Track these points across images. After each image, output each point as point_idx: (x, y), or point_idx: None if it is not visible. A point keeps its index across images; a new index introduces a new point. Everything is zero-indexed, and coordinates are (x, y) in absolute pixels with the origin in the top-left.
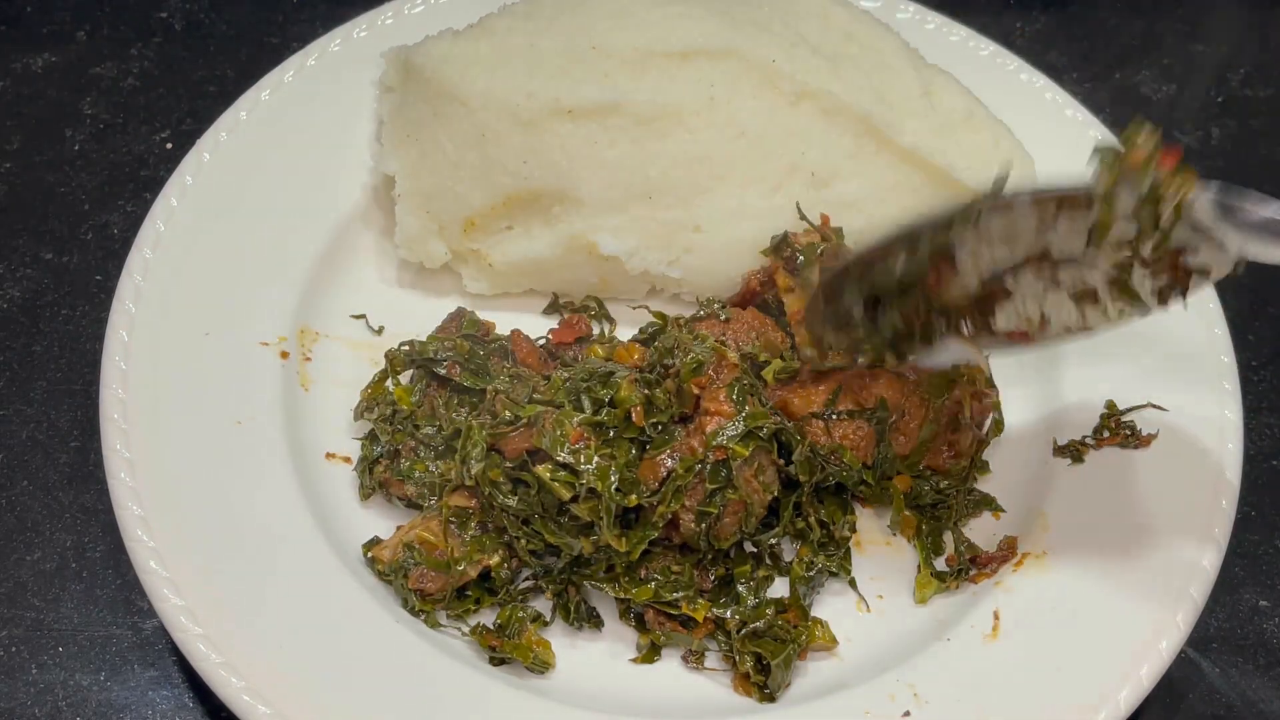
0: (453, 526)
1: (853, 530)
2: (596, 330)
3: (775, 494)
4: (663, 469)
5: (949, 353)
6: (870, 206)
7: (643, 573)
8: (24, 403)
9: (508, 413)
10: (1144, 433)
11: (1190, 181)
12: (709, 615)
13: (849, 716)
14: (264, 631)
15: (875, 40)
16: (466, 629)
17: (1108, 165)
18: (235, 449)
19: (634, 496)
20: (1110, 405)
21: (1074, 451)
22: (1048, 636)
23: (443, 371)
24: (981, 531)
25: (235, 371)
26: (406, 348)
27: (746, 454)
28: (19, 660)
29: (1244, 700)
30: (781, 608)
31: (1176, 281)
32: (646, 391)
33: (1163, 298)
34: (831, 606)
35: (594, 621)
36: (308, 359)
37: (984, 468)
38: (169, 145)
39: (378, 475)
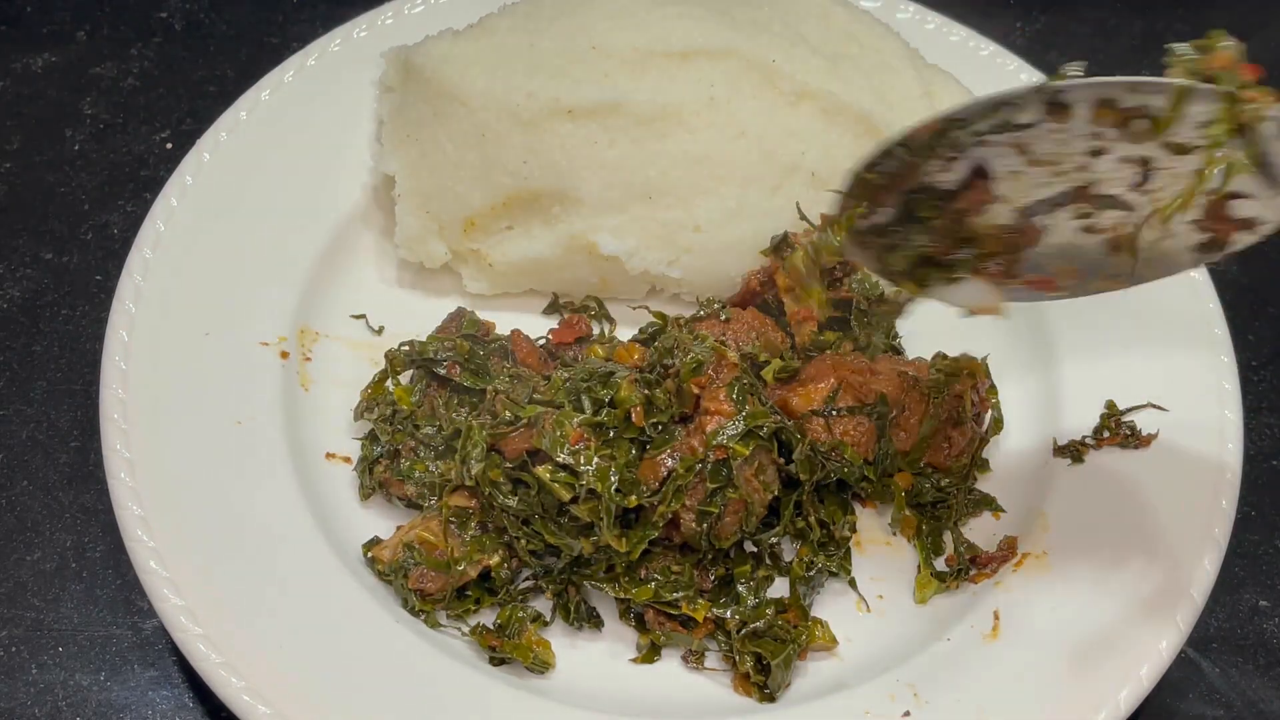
0: (453, 526)
1: (853, 530)
2: (596, 330)
3: (775, 493)
4: (663, 469)
5: (969, 292)
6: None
7: (643, 573)
8: (24, 403)
9: (508, 413)
10: (1144, 433)
11: (1270, 97)
12: (709, 615)
13: (849, 716)
14: (264, 631)
15: (875, 40)
16: (466, 629)
17: (1186, 66)
18: (235, 449)
19: (634, 497)
20: (1110, 405)
21: (1074, 451)
22: (1048, 636)
23: (443, 371)
24: (981, 531)
25: (235, 371)
26: (406, 348)
27: (747, 453)
28: (19, 660)
29: (1244, 700)
30: (781, 608)
31: (1218, 236)
32: (646, 391)
33: (1202, 251)
34: (831, 606)
35: (594, 621)
36: (308, 359)
37: (984, 466)
38: (169, 145)
39: (378, 475)
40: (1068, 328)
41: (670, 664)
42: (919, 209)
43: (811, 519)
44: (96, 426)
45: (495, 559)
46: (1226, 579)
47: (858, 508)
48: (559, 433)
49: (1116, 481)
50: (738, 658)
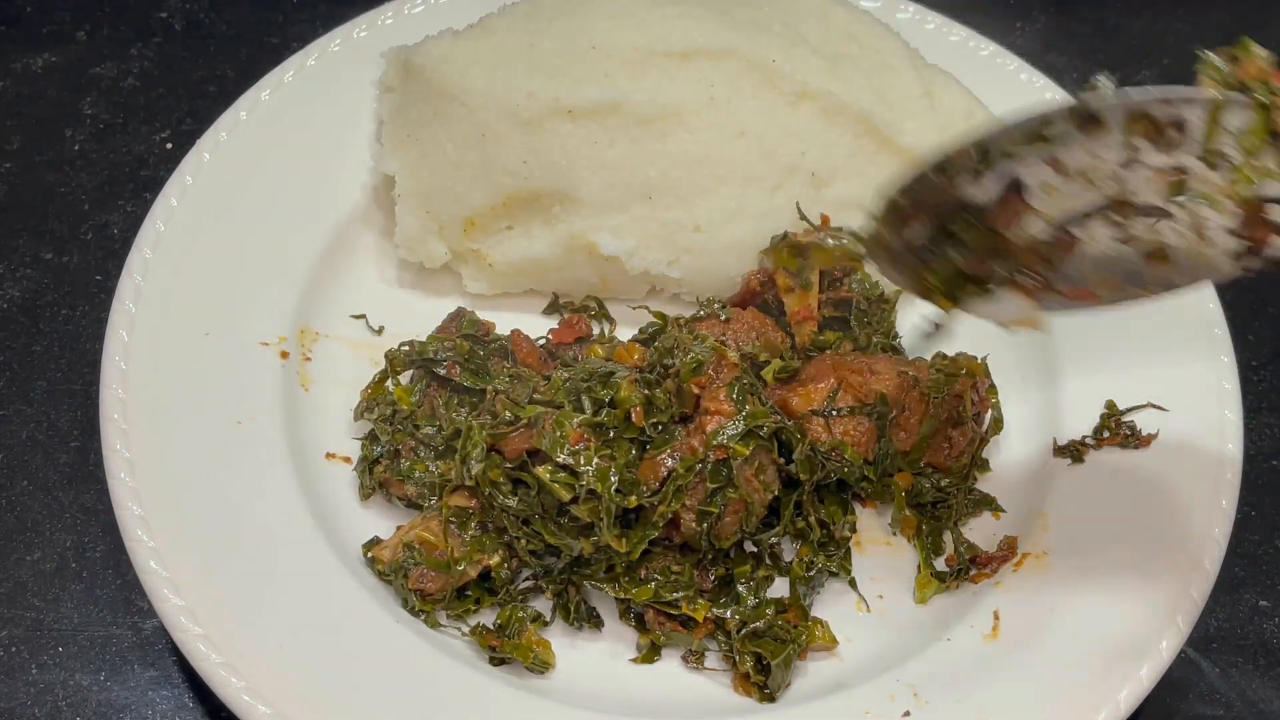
0: (453, 526)
1: (853, 530)
2: (596, 330)
3: (776, 493)
4: (663, 469)
5: (1006, 307)
6: (870, 207)
7: (643, 573)
8: (24, 403)
9: (508, 413)
10: (1144, 433)
11: None
12: (709, 615)
13: (849, 716)
14: (264, 631)
15: (875, 40)
16: (466, 629)
17: (1218, 76)
18: (235, 449)
19: (634, 497)
20: (1110, 405)
21: (1074, 451)
22: (1048, 636)
23: (443, 371)
24: (981, 531)
25: (235, 371)
26: (406, 348)
27: (747, 453)
28: (19, 660)
29: (1244, 700)
30: (781, 608)
31: (1256, 242)
32: (646, 391)
33: (1240, 258)
34: (831, 606)
35: (594, 621)
36: (308, 359)
37: (984, 466)
38: (169, 145)
39: (378, 475)
40: (1067, 327)
41: (670, 664)
42: (952, 225)
43: (811, 519)
44: (96, 426)
45: (495, 559)
46: (1226, 579)
47: (858, 508)
48: (559, 433)
49: (1116, 481)
50: (738, 658)
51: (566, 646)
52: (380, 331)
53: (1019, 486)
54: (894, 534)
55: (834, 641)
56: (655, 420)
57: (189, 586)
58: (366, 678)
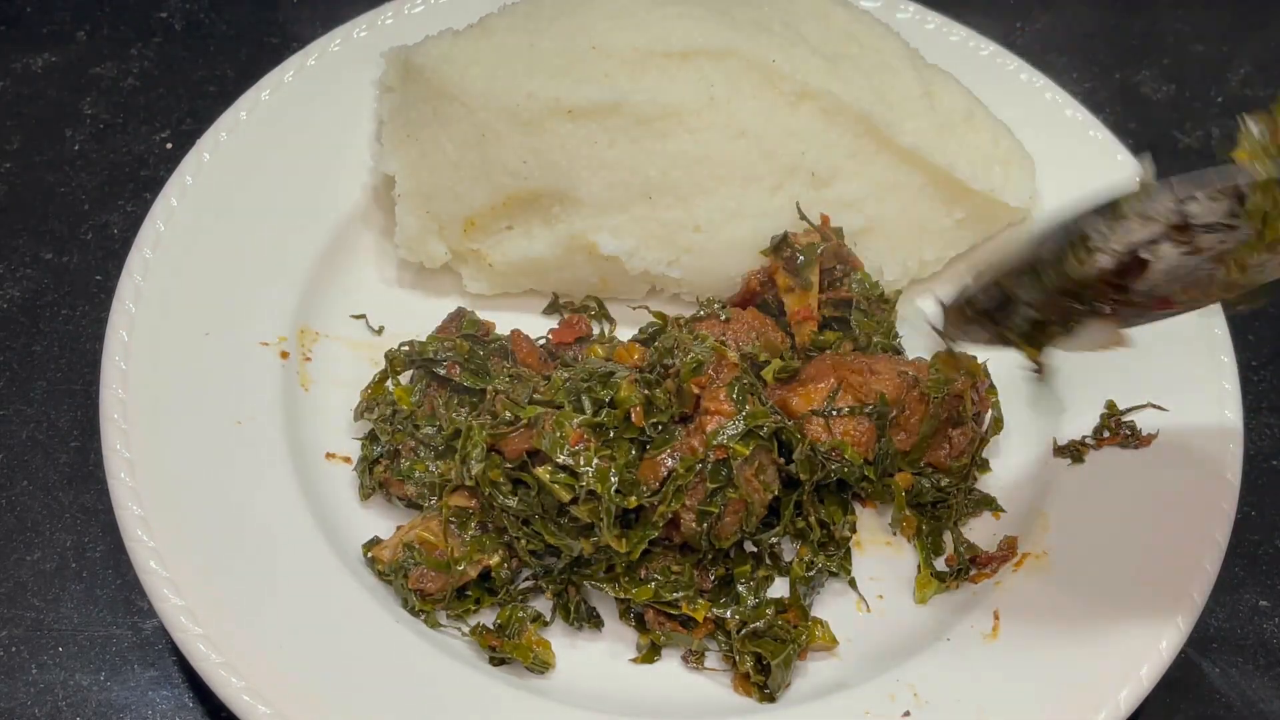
0: (453, 526)
1: (853, 530)
2: (596, 330)
3: (776, 493)
4: (663, 469)
5: (1090, 335)
6: (870, 206)
7: (643, 573)
8: (24, 403)
9: (508, 413)
10: (1144, 433)
11: None
12: (709, 615)
13: (849, 716)
14: (264, 631)
15: (875, 40)
16: (466, 629)
17: (1256, 149)
18: (235, 449)
19: (634, 498)
20: (1110, 405)
21: (1074, 451)
22: (1048, 636)
23: (443, 371)
24: (981, 531)
25: (235, 371)
26: (406, 348)
27: (747, 453)
28: (19, 660)
29: (1244, 700)
30: (781, 608)
31: None
32: (646, 391)
33: None
34: (831, 606)
35: (594, 621)
36: (308, 359)
37: (984, 466)
38: (169, 145)
39: (378, 475)
40: None
41: (670, 664)
42: (1017, 290)
43: (811, 519)
44: (96, 426)
45: (495, 559)
46: (1226, 579)
47: (858, 508)
48: (559, 433)
49: (1116, 481)
50: (738, 658)
51: (566, 646)
52: (380, 331)
53: (1019, 486)
54: (894, 534)
55: (834, 641)
56: (655, 420)
57: (189, 586)
58: (366, 678)
